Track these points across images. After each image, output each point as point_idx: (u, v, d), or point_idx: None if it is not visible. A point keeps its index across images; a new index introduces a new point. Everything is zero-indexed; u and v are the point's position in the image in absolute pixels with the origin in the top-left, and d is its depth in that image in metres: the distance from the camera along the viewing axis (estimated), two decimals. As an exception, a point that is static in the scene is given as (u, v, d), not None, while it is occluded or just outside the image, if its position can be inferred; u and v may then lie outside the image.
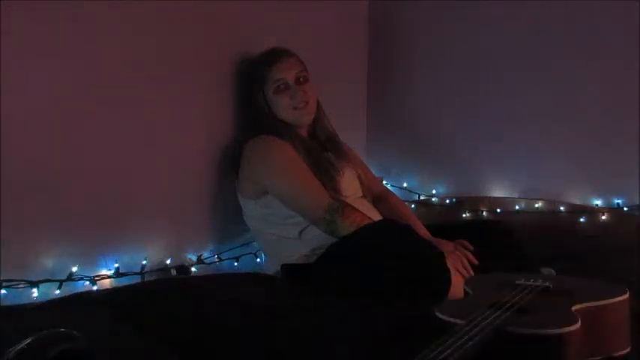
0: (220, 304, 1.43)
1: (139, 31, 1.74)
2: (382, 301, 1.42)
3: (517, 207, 2.40)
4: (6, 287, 1.45)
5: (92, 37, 1.63)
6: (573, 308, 1.07)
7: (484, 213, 2.45)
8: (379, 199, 2.06)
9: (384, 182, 2.54)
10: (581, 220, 2.28)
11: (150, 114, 1.78)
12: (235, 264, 2.02)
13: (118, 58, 1.69)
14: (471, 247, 1.76)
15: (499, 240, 1.83)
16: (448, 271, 1.54)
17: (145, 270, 1.75)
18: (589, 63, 2.27)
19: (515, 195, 2.43)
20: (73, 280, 1.58)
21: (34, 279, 1.50)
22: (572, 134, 2.31)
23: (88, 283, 1.62)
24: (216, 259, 1.97)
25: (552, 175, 2.36)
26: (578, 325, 0.99)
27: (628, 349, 1.13)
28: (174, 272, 1.82)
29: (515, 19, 2.41)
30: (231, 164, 1.94)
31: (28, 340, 0.88)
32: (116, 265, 1.68)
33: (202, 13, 1.91)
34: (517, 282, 1.22)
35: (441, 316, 1.04)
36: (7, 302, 1.43)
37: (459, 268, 1.65)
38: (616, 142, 2.23)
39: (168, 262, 1.83)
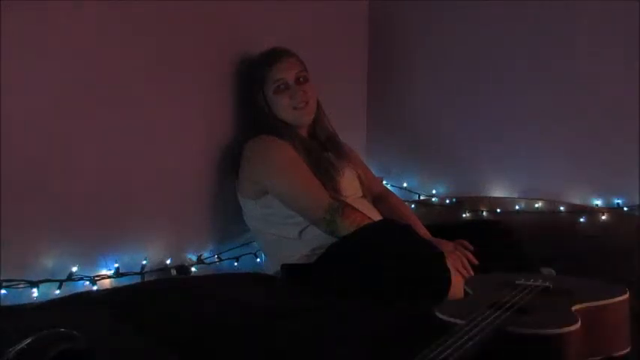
0: (220, 304, 1.43)
1: (139, 31, 1.74)
2: (382, 301, 1.42)
3: (517, 207, 2.40)
4: (6, 287, 1.45)
5: (92, 37, 1.63)
6: (573, 308, 1.07)
7: (484, 213, 2.45)
8: (379, 199, 2.06)
9: (384, 182, 2.54)
10: (581, 220, 2.28)
11: (150, 114, 1.78)
12: (235, 264, 2.02)
13: (118, 58, 1.69)
14: (471, 247, 1.76)
15: (499, 240, 1.83)
16: (448, 271, 1.54)
17: (145, 270, 1.75)
18: (589, 63, 2.27)
19: (515, 195, 2.43)
20: (73, 280, 1.58)
21: (34, 279, 1.50)
22: (572, 134, 2.31)
23: (88, 283, 1.62)
24: (216, 259, 1.97)
25: (552, 175, 2.36)
26: (578, 325, 0.99)
27: (628, 349, 1.13)
28: (174, 272, 1.82)
29: (515, 19, 2.41)
30: (231, 164, 1.94)
31: (28, 340, 0.88)
32: (116, 265, 1.68)
33: (202, 13, 1.91)
34: (517, 282, 1.22)
35: (441, 316, 1.04)
36: (7, 302, 1.43)
37: (459, 268, 1.65)
38: (616, 142, 2.23)
39: (168, 262, 1.82)
